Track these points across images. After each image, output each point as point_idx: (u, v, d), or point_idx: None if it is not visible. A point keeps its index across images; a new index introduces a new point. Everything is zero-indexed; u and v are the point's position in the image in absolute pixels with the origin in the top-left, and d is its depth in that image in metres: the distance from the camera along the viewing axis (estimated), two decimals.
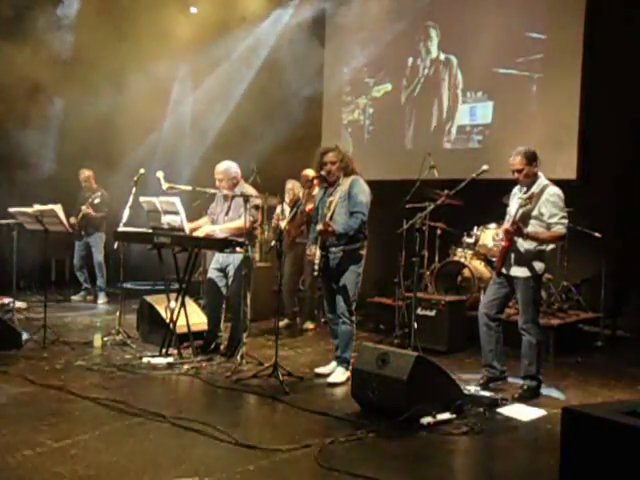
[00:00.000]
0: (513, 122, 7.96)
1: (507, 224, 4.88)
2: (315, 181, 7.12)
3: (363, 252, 5.28)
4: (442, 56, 8.74)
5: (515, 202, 4.96)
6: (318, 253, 5.20)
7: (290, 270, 7.42)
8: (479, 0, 8.44)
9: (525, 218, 4.79)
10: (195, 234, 5.72)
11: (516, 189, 5.06)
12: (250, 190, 5.89)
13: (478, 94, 8.40)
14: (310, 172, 7.39)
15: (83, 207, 8.66)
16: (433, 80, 8.82)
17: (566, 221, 4.80)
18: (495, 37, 8.09)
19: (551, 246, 4.87)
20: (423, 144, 8.66)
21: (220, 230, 5.75)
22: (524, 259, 4.84)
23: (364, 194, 5.17)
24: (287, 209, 7.57)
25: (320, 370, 5.47)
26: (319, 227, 5.13)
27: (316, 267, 5.21)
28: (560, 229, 4.75)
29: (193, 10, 10.23)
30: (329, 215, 5.13)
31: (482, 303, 5.20)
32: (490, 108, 8.31)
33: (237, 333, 5.82)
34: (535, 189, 4.80)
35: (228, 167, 5.90)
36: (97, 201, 8.64)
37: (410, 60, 9.04)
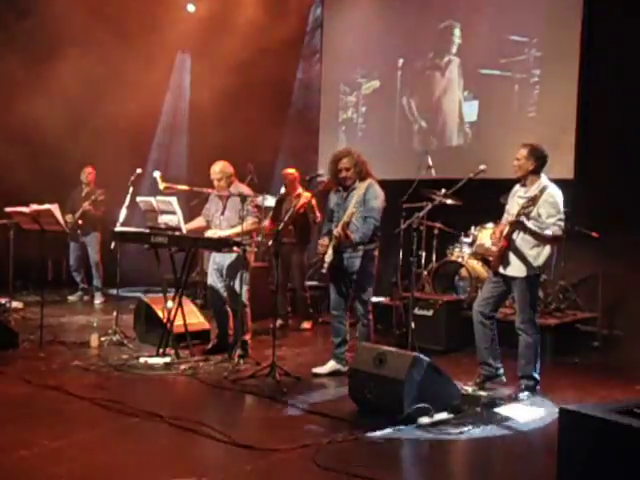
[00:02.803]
0: (511, 122, 7.97)
1: (510, 219, 4.85)
2: (297, 181, 7.26)
3: (376, 253, 5.40)
4: (437, 58, 8.78)
5: (514, 201, 4.96)
6: (330, 252, 5.23)
7: (280, 270, 7.41)
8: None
9: (526, 218, 4.78)
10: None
11: (516, 188, 5.06)
12: (246, 189, 5.89)
13: (469, 93, 8.44)
14: (291, 171, 7.44)
15: (85, 204, 8.64)
16: (422, 80, 8.85)
17: (562, 224, 4.80)
18: (495, 37, 8.12)
19: (547, 248, 4.86)
20: (412, 143, 8.77)
21: (227, 235, 5.73)
22: (522, 259, 4.84)
23: (377, 199, 5.30)
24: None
25: (317, 370, 5.47)
26: (337, 231, 5.17)
27: (325, 265, 5.26)
28: (556, 230, 4.75)
29: (191, 8, 10.20)
30: (346, 219, 5.19)
31: (477, 301, 5.20)
32: (476, 107, 8.35)
33: (236, 334, 5.81)
34: (536, 190, 4.80)
35: (224, 166, 5.92)
36: (100, 198, 8.63)
37: (401, 61, 9.07)
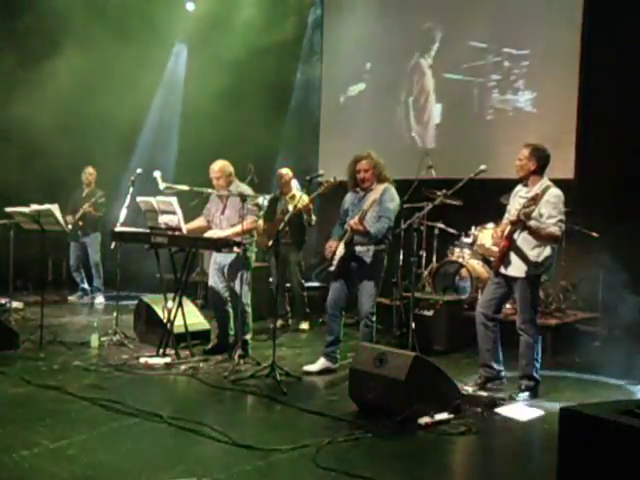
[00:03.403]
0: (513, 122, 7.99)
1: (511, 217, 4.85)
2: (292, 181, 7.22)
3: (385, 255, 5.45)
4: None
5: (516, 201, 4.96)
6: (341, 248, 5.31)
7: (278, 271, 7.41)
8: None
9: (527, 218, 4.78)
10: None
11: (518, 188, 5.06)
12: (246, 189, 5.88)
13: (466, 95, 8.48)
14: (286, 171, 7.42)
15: (85, 206, 8.64)
16: (421, 80, 8.89)
17: (563, 225, 4.80)
18: (494, 38, 8.13)
19: (548, 249, 4.86)
20: (411, 143, 8.89)
21: (227, 235, 5.72)
22: (523, 259, 4.84)
23: (392, 202, 5.42)
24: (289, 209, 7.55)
25: (308, 368, 5.49)
26: (353, 222, 5.25)
27: (334, 262, 5.33)
28: (556, 231, 4.75)
29: (190, 7, 10.17)
30: (365, 207, 5.28)
31: (479, 303, 5.21)
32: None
33: (237, 333, 5.80)
34: (538, 190, 4.80)
35: (224, 165, 5.92)
36: (101, 200, 8.63)
37: (400, 61, 9.09)
